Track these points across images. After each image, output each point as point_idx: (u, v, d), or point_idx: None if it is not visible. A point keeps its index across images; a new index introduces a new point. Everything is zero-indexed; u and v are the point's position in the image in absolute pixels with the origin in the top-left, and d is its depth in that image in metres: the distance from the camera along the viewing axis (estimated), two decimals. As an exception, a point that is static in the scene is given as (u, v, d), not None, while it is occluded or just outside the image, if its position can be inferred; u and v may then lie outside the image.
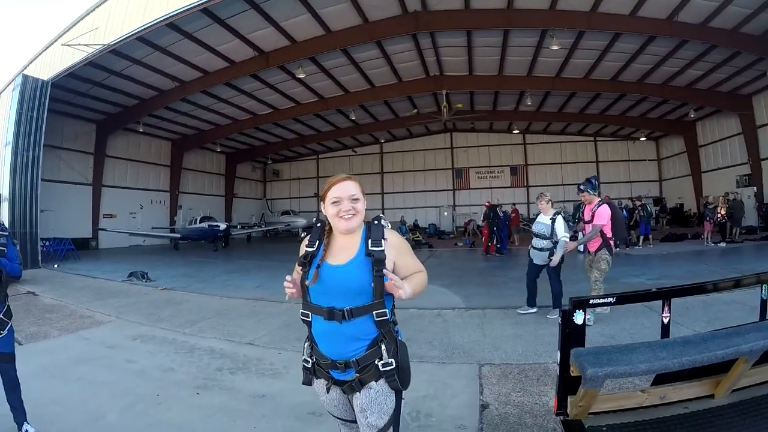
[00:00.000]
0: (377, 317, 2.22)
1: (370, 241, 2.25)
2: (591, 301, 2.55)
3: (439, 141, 38.39)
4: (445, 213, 37.85)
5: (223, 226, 25.18)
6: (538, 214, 8.19)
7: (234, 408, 4.58)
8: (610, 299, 2.54)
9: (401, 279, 2.19)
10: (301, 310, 2.35)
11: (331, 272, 2.27)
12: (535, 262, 7.84)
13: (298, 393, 4.18)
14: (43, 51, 19.71)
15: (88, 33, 16.79)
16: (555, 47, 18.23)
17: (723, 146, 27.24)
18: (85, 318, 8.72)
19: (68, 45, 17.27)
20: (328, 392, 2.34)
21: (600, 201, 7.54)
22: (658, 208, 30.16)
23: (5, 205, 17.71)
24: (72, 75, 18.65)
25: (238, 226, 33.56)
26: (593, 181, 7.83)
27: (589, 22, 17.01)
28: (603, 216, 7.26)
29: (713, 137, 28.12)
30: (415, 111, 28.33)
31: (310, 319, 2.32)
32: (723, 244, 17.74)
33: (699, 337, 2.33)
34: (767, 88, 22.33)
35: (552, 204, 7.83)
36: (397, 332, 2.35)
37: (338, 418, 2.44)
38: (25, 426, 3.97)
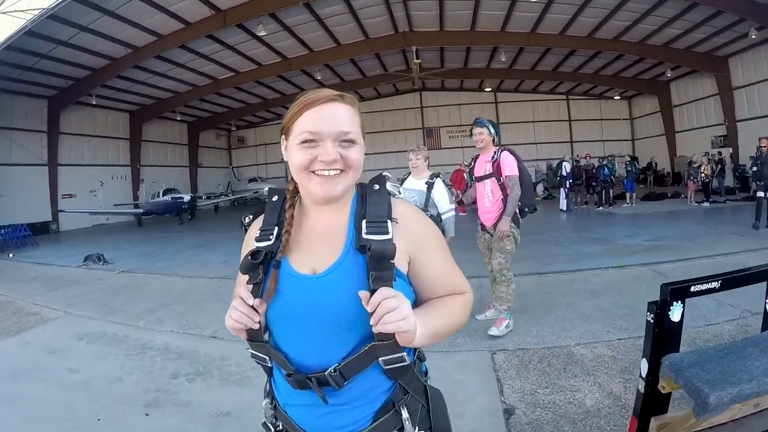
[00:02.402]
0: (387, 365, 1.23)
1: (365, 222, 1.26)
2: (693, 288, 1.74)
3: (408, 100, 37.66)
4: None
5: (187, 197, 24.39)
6: (404, 177, 5.74)
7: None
8: (713, 283, 1.78)
9: (410, 303, 1.19)
10: (249, 350, 1.34)
11: (299, 286, 1.26)
12: None
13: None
14: None
15: None
16: (533, -1, 17.51)
17: (698, 107, 27.52)
18: (31, 316, 7.87)
19: (3, 13, 15.89)
20: None
21: (501, 147, 5.46)
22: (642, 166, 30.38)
23: None
24: (14, 47, 17.27)
25: (204, 197, 32.64)
26: (494, 123, 5.70)
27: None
28: (513, 165, 5.26)
29: (688, 98, 28.37)
30: (383, 68, 27.38)
31: (269, 365, 1.34)
32: (706, 204, 17.88)
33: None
34: (744, 50, 22.44)
35: (429, 164, 5.65)
36: (424, 374, 1.44)
37: None
38: None
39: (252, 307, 1.20)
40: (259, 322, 1.24)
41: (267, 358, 1.31)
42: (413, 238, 1.32)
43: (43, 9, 14.96)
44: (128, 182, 30.79)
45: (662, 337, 1.68)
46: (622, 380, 3.98)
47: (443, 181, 5.47)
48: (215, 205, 33.60)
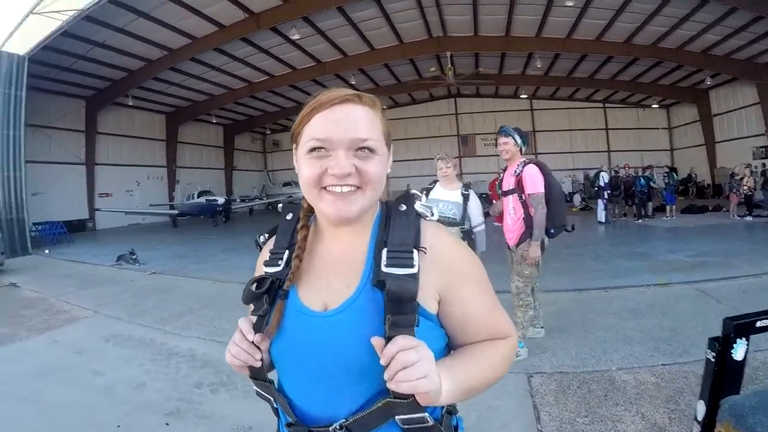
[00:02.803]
0: (406, 424, 1.01)
1: (385, 252, 1.05)
2: (759, 323, 1.53)
3: (443, 107, 37.17)
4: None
5: (221, 200, 24.56)
6: (430, 187, 5.42)
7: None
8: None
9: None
10: (254, 388, 1.16)
11: (305, 323, 1.07)
12: None
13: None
14: (20, 25, 18.35)
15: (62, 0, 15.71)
16: (569, 3, 17.28)
17: (738, 116, 26.26)
18: (61, 314, 7.96)
19: (40, 13, 16.20)
20: None
21: (525, 160, 4.88)
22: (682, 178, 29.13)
23: None
24: (51, 48, 17.63)
25: (238, 200, 32.90)
26: (521, 131, 5.09)
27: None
28: (536, 181, 4.69)
29: (728, 107, 27.06)
30: (417, 74, 27.12)
31: (275, 406, 1.17)
32: (749, 218, 16.91)
33: None
34: (786, 58, 21.11)
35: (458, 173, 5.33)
36: (456, 429, 1.21)
37: None
38: None
39: (253, 342, 1.05)
40: (262, 360, 1.09)
41: (272, 399, 1.15)
42: (446, 271, 1.09)
43: (78, 10, 15.22)
44: (164, 183, 31.26)
45: (723, 378, 1.50)
46: (667, 410, 3.70)
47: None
48: (250, 208, 33.73)
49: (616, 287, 7.66)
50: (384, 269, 1.02)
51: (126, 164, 28.37)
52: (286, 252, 1.16)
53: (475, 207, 5.08)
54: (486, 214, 5.41)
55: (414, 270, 1.02)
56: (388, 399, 0.96)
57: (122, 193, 27.75)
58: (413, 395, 0.92)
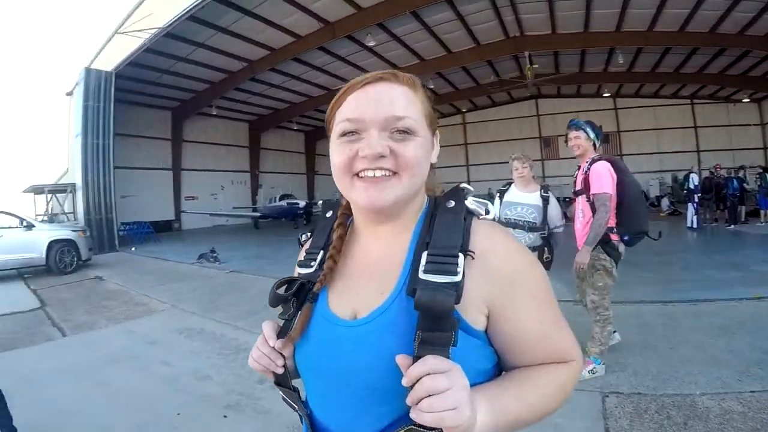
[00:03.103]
0: None
1: (425, 255, 0.91)
2: None
3: (524, 108, 35.94)
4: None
5: (302, 203, 24.95)
6: (505, 189, 5.03)
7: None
8: None
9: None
10: (281, 394, 1.06)
11: (329, 332, 0.98)
12: None
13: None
14: (106, 44, 20.04)
15: (144, 19, 16.78)
16: (648, -8, 16.22)
17: None
18: (140, 306, 8.47)
19: (124, 33, 17.49)
20: None
21: (596, 156, 4.42)
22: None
23: (79, 193, 18.72)
24: (136, 64, 18.96)
25: (319, 203, 33.67)
26: (593, 124, 4.66)
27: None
28: (603, 179, 4.20)
29: None
30: (497, 75, 26.61)
31: (300, 414, 1.06)
32: None
33: None
34: None
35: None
36: None
37: None
38: None
39: (275, 348, 0.99)
40: (285, 366, 1.01)
41: (296, 407, 1.04)
42: (498, 282, 0.93)
43: (159, 28, 16.15)
44: (247, 187, 32.64)
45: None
46: (752, 446, 3.25)
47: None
48: (331, 211, 34.55)
49: (706, 300, 6.86)
50: (421, 275, 0.88)
51: (211, 169, 29.91)
52: (321, 252, 1.07)
53: (555, 210, 4.72)
54: (564, 215, 5.00)
55: (456, 278, 0.86)
56: (411, 427, 0.82)
57: (207, 197, 29.30)
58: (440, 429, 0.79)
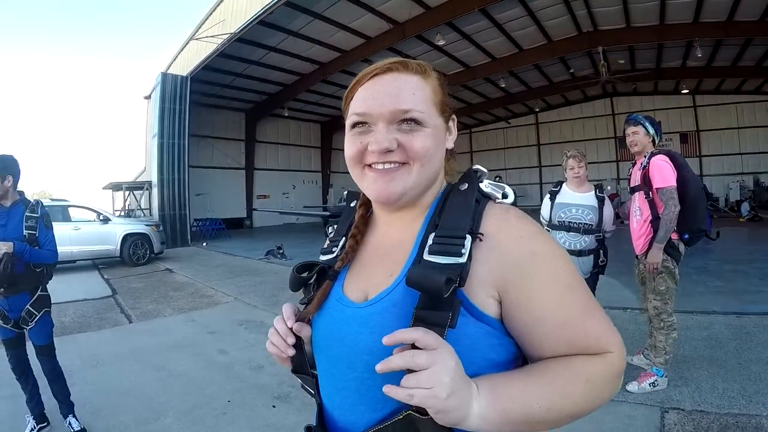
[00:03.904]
0: None
1: (431, 237, 0.89)
2: None
3: (599, 107, 34.44)
4: (608, 187, 33.94)
5: (371, 202, 25.17)
6: (556, 189, 4.79)
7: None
8: None
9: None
10: (300, 381, 1.09)
11: (339, 314, 0.96)
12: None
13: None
14: (182, 50, 21.03)
15: (216, 25, 17.47)
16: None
17: None
18: (205, 298, 8.77)
19: (197, 39, 18.39)
20: None
21: (654, 150, 4.16)
22: None
23: (155, 190, 19.60)
24: (210, 68, 19.74)
25: (345, 194, 34.21)
26: (653, 119, 4.33)
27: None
28: (665, 172, 3.95)
29: None
30: (570, 72, 25.87)
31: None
32: None
33: None
34: None
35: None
36: None
37: None
38: (70, 419, 3.72)
39: (292, 330, 0.98)
40: (304, 351, 1.01)
41: (313, 393, 1.04)
42: (507, 265, 0.87)
43: (231, 33, 16.74)
44: (318, 186, 33.31)
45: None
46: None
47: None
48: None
49: None
50: (426, 257, 0.86)
51: (283, 169, 30.73)
52: (343, 239, 1.08)
53: (609, 212, 4.53)
54: (617, 215, 4.80)
55: (461, 260, 0.83)
56: (410, 411, 0.78)
57: (279, 195, 30.13)
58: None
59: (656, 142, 4.23)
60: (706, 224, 4.05)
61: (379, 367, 0.75)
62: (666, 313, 4.06)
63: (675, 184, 3.91)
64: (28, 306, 3.55)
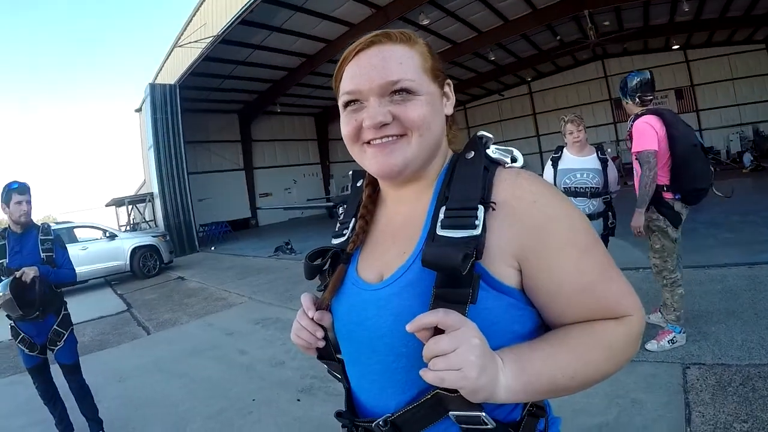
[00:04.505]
0: (462, 423, 0.81)
1: (443, 210, 0.87)
2: None
3: (591, 71, 33.86)
4: (608, 150, 33.40)
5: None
6: (558, 156, 4.72)
7: (332, 426, 3.76)
8: None
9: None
10: (326, 368, 1.10)
11: (356, 297, 0.96)
12: None
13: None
14: (167, 58, 20.93)
15: (198, 30, 17.38)
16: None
17: None
18: (219, 301, 8.84)
19: (181, 46, 18.33)
20: None
21: (639, 112, 4.09)
22: None
23: (158, 201, 19.74)
24: (197, 73, 19.61)
25: (349, 174, 34.21)
26: (635, 77, 4.23)
27: None
28: (642, 137, 3.94)
29: None
30: (558, 39, 25.63)
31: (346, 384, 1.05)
32: None
33: None
34: None
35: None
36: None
37: None
38: None
39: (314, 320, 0.98)
40: (327, 338, 1.00)
41: (340, 377, 1.05)
42: (526, 231, 0.85)
43: (214, 36, 16.65)
44: (319, 179, 33.19)
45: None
46: None
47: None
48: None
49: None
50: (439, 231, 0.84)
51: (282, 165, 30.62)
52: (353, 220, 1.07)
53: (613, 172, 4.52)
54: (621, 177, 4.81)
55: (475, 232, 0.81)
56: (438, 390, 0.79)
57: (281, 192, 30.09)
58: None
59: (633, 101, 4.16)
60: (702, 182, 3.95)
61: (410, 329, 0.76)
62: (667, 270, 4.05)
63: (652, 148, 3.88)
64: (55, 326, 3.59)
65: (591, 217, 4.37)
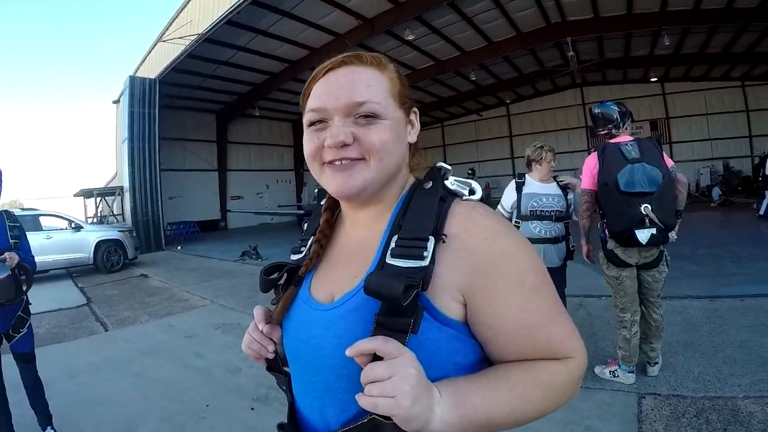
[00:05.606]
0: None
1: (395, 238, 0.88)
2: None
3: (569, 98, 34.33)
4: (581, 176, 33.69)
5: (345, 199, 25.22)
6: (521, 181, 4.77)
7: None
8: None
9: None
10: (275, 380, 1.09)
11: (305, 317, 0.97)
12: (548, 265, 4.29)
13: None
14: (149, 52, 20.78)
15: (184, 26, 17.29)
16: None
17: None
18: (181, 302, 8.72)
19: (165, 41, 18.20)
20: None
21: (601, 144, 4.06)
22: None
23: (127, 195, 19.34)
24: (178, 70, 19.46)
25: (315, 191, 34.15)
26: (610, 106, 4.25)
27: None
28: (583, 173, 4.15)
29: None
30: (540, 63, 25.96)
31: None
32: None
33: None
34: None
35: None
36: None
37: None
38: (48, 431, 3.67)
39: (264, 332, 1.00)
40: (276, 352, 1.02)
41: (286, 391, 1.05)
42: (472, 268, 0.85)
43: (199, 34, 16.55)
44: (292, 185, 33.09)
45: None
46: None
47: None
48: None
49: (755, 296, 6.29)
50: (388, 260, 0.85)
51: (256, 169, 30.42)
52: (311, 238, 1.08)
53: (573, 198, 4.65)
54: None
55: (423, 263, 0.82)
56: (375, 416, 0.77)
57: (253, 196, 29.84)
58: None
59: (613, 131, 4.16)
60: (616, 224, 3.83)
61: (348, 352, 0.77)
62: (617, 307, 4.05)
63: (586, 188, 4.06)
64: (19, 313, 3.52)
65: (556, 240, 4.46)
